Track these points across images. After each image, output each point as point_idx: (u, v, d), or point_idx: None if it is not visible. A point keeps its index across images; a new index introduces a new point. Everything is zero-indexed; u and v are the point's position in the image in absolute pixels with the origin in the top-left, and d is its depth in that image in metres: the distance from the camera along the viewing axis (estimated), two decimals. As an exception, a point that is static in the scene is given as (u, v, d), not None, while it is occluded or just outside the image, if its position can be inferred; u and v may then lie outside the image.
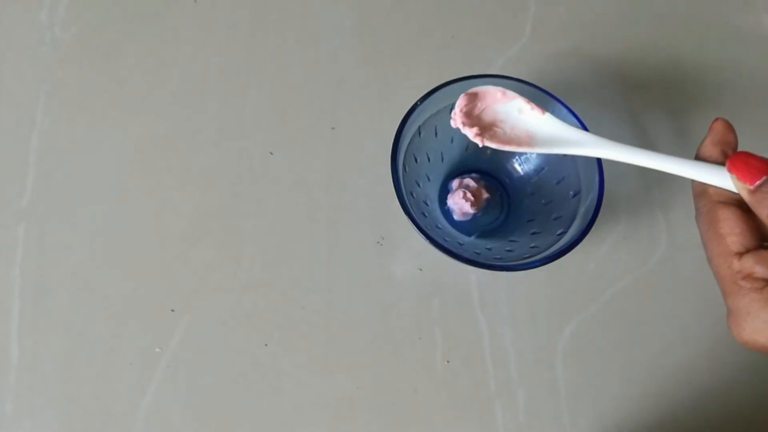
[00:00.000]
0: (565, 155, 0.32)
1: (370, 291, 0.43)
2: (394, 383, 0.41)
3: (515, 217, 0.44)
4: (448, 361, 0.42)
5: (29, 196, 0.44)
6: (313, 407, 0.41)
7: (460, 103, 0.33)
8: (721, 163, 0.27)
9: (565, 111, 0.38)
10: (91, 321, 0.42)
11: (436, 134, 0.41)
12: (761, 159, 0.25)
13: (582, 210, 0.38)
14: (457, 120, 0.32)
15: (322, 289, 0.43)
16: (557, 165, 0.41)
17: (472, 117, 0.33)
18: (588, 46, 0.50)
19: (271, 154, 0.46)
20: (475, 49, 0.49)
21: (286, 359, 0.41)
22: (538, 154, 0.42)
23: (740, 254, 0.25)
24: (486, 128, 0.32)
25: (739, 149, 0.28)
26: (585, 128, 0.38)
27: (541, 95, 0.39)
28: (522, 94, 0.39)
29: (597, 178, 0.37)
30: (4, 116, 0.46)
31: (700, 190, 0.28)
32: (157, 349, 0.41)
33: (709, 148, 0.28)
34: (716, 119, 0.28)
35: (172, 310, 0.42)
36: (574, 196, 0.39)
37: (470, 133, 0.32)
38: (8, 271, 0.42)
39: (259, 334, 0.42)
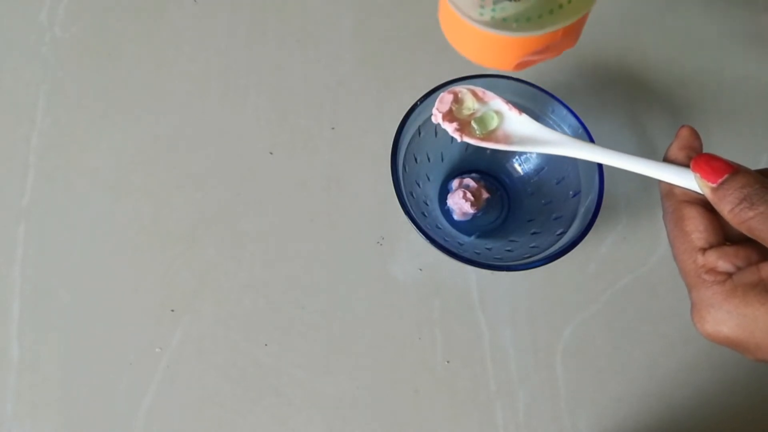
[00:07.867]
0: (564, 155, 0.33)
1: (370, 291, 0.43)
2: (394, 383, 0.41)
3: (515, 217, 0.44)
4: (448, 361, 0.42)
5: (29, 196, 0.44)
6: (313, 407, 0.41)
7: (442, 99, 0.34)
8: (687, 166, 0.28)
9: (565, 111, 0.38)
10: (91, 321, 0.42)
11: (436, 134, 0.41)
12: (723, 160, 0.27)
13: (582, 210, 0.38)
14: (438, 116, 0.34)
15: (322, 289, 0.43)
16: (557, 165, 0.41)
17: (452, 114, 0.34)
18: (588, 46, 0.50)
19: (271, 154, 0.46)
20: (475, 49, 0.49)
21: (286, 359, 0.41)
22: (539, 154, 0.42)
23: (704, 250, 0.27)
24: (466, 125, 0.34)
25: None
26: (585, 128, 0.38)
27: (542, 96, 0.39)
28: (523, 94, 0.39)
29: (597, 178, 0.37)
30: (4, 116, 0.46)
31: (667, 191, 0.29)
32: (157, 349, 0.41)
33: (676, 152, 0.30)
34: (682, 126, 0.30)
35: (172, 310, 0.42)
36: (574, 196, 0.39)
37: (450, 128, 0.34)
38: (8, 271, 0.42)
39: (259, 334, 0.42)
